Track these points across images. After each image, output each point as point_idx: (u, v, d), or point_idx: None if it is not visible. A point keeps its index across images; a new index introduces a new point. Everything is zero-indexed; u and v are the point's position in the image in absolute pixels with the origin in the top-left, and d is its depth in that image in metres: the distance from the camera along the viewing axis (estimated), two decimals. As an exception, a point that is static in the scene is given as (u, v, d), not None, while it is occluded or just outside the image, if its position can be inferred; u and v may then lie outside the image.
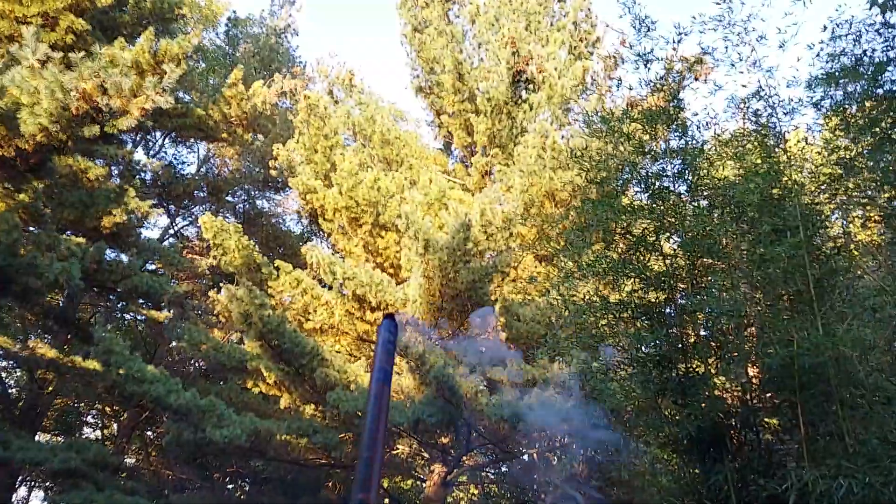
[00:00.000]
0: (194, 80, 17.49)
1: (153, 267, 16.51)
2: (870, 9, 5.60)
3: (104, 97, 10.86)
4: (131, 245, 13.48)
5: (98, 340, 12.03)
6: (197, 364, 19.62)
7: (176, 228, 21.26)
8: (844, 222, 8.23)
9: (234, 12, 23.48)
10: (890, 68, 5.98)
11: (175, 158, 20.84)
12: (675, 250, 8.19)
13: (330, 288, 15.64)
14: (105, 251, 12.17)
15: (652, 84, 8.09)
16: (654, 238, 8.01)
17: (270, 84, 17.47)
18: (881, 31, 5.91)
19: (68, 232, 12.56)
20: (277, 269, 15.40)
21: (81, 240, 11.72)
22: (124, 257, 13.39)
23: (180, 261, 14.98)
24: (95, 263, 11.87)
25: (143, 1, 13.49)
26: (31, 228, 11.56)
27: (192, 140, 19.36)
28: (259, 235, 19.70)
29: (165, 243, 18.58)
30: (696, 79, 9.92)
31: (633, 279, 8.13)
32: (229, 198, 20.91)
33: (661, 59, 7.72)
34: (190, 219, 21.33)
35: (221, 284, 15.18)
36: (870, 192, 6.79)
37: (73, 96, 10.26)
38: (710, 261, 7.89)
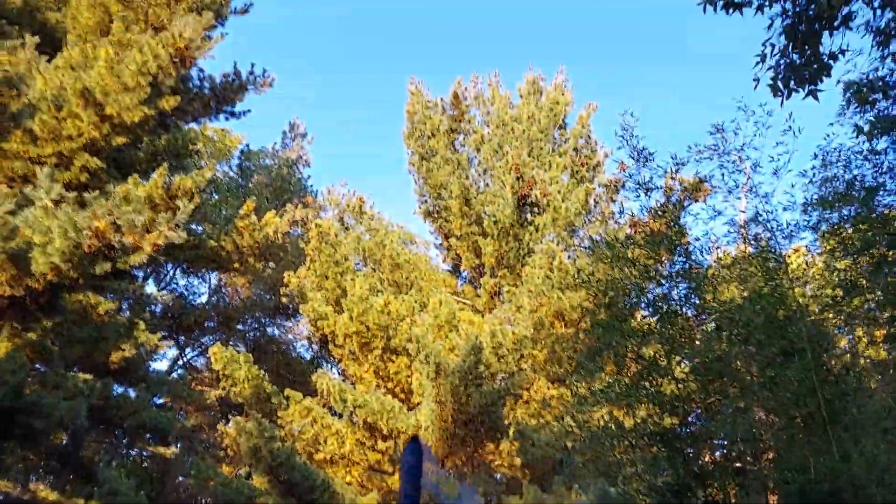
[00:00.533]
0: (207, 212, 17.94)
1: (161, 400, 16.31)
2: (856, 137, 5.74)
3: (117, 234, 11.08)
4: (140, 379, 13.39)
5: (103, 480, 11.74)
6: (205, 501, 18.96)
7: (185, 359, 21.18)
8: (851, 337, 8.12)
9: (248, 145, 24.39)
10: (881, 193, 6.06)
11: (186, 289, 21.09)
12: (686, 374, 8.07)
13: (340, 416, 15.36)
14: (112, 387, 12.07)
15: (652, 210, 8.24)
16: (666, 362, 7.93)
17: (282, 214, 17.89)
18: (869, 157, 6.04)
19: (76, 368, 12.50)
20: (287, 398, 15.20)
21: (89, 376, 11.63)
22: (132, 392, 13.26)
23: (189, 393, 14.83)
24: (102, 400, 11.75)
25: (158, 138, 13.99)
26: (39, 367, 11.52)
27: (203, 270, 19.65)
28: (269, 363, 19.56)
29: (174, 375, 18.47)
30: (696, 201, 10.07)
31: (646, 404, 8.00)
32: (240, 326, 20.95)
33: (660, 187, 7.89)
34: (199, 349, 21.28)
35: (230, 416, 14.92)
36: (873, 311, 6.74)
37: (85, 235, 10.46)
38: (722, 383, 7.76)
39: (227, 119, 14.47)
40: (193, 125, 14.83)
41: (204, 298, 22.12)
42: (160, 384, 14.13)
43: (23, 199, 10.07)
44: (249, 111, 14.55)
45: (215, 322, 19.51)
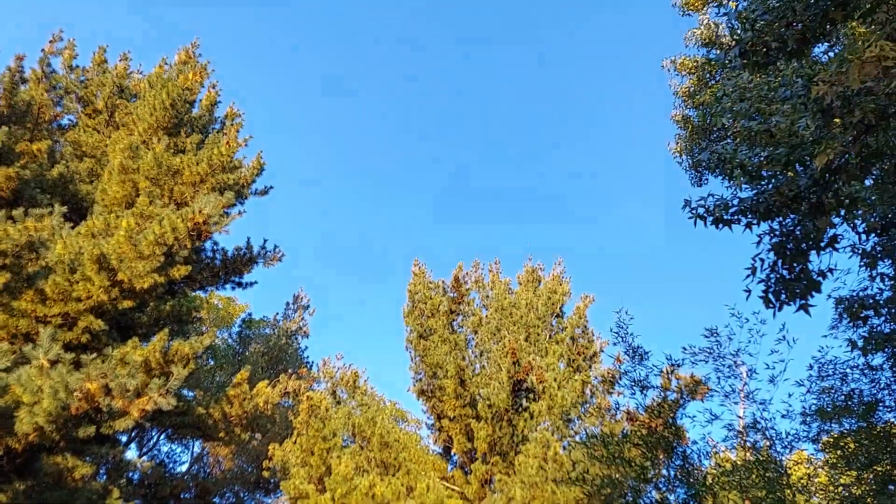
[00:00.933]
0: (200, 378, 17.76)
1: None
2: (851, 351, 5.87)
3: (107, 398, 10.92)
4: (104, 554, 12.50)
5: None
6: None
7: (154, 534, 19.92)
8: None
9: (250, 314, 24.76)
10: (880, 408, 6.07)
11: (168, 456, 20.34)
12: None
13: None
14: (71, 562, 11.28)
15: (649, 408, 8.21)
16: (664, 574, 7.51)
17: (275, 384, 17.70)
18: (866, 372, 6.12)
19: (39, 538, 11.75)
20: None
21: (50, 548, 10.93)
22: (91, 569, 12.33)
23: (154, 573, 13.81)
24: (58, 576, 10.92)
25: (164, 304, 14.18)
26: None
27: (188, 438, 19.08)
28: (243, 543, 18.42)
29: (139, 552, 17.29)
30: (693, 399, 10.02)
31: None
32: (217, 499, 19.93)
33: (657, 386, 7.92)
34: (171, 523, 20.09)
35: None
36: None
37: (75, 397, 10.31)
38: None
39: (233, 289, 14.81)
40: (200, 292, 15.10)
41: (185, 467, 21.30)
42: (122, 562, 13.17)
43: (21, 356, 10.04)
44: (256, 283, 14.94)
45: (192, 494, 18.59)
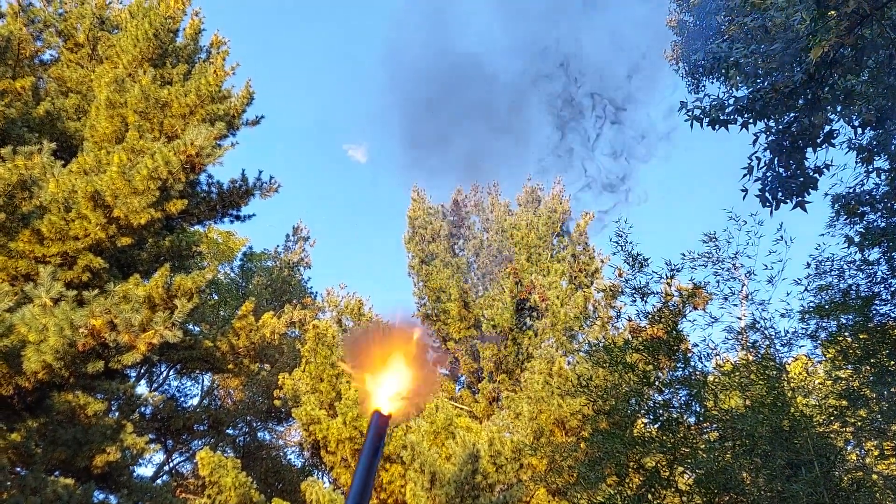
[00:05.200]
0: (205, 313, 17.92)
1: (143, 508, 15.69)
2: (848, 247, 5.87)
3: (112, 333, 11.01)
4: (122, 485, 12.87)
5: None
6: None
7: (172, 465, 20.54)
8: (861, 451, 7.93)
9: (251, 247, 24.79)
10: (876, 302, 6.12)
11: (178, 390, 20.72)
12: (690, 486, 7.86)
13: (330, 528, 14.70)
14: (93, 493, 11.60)
15: (650, 315, 8.28)
16: (668, 473, 7.73)
17: (280, 315, 17.86)
18: (862, 267, 6.15)
19: (57, 472, 12.06)
20: (274, 508, 14.63)
21: (70, 481, 11.19)
22: (113, 499, 12.74)
23: (172, 501, 14.22)
24: (82, 507, 11.25)
25: (162, 240, 14.16)
26: (19, 469, 11.12)
27: (197, 371, 19.40)
28: (258, 470, 18.94)
29: (158, 481, 17.83)
30: (695, 308, 10.11)
31: (650, 519, 7.75)
32: (230, 430, 20.43)
33: (658, 293, 7.97)
34: (187, 454, 20.67)
35: (215, 526, 14.28)
36: (880, 424, 6.61)
37: (81, 333, 10.39)
38: (729, 497, 7.52)
39: (231, 222, 14.75)
40: (198, 227, 15.07)
41: (196, 401, 21.75)
42: (143, 491, 13.53)
43: (23, 296, 10.08)
44: (254, 215, 14.88)
45: (205, 425, 19.05)
